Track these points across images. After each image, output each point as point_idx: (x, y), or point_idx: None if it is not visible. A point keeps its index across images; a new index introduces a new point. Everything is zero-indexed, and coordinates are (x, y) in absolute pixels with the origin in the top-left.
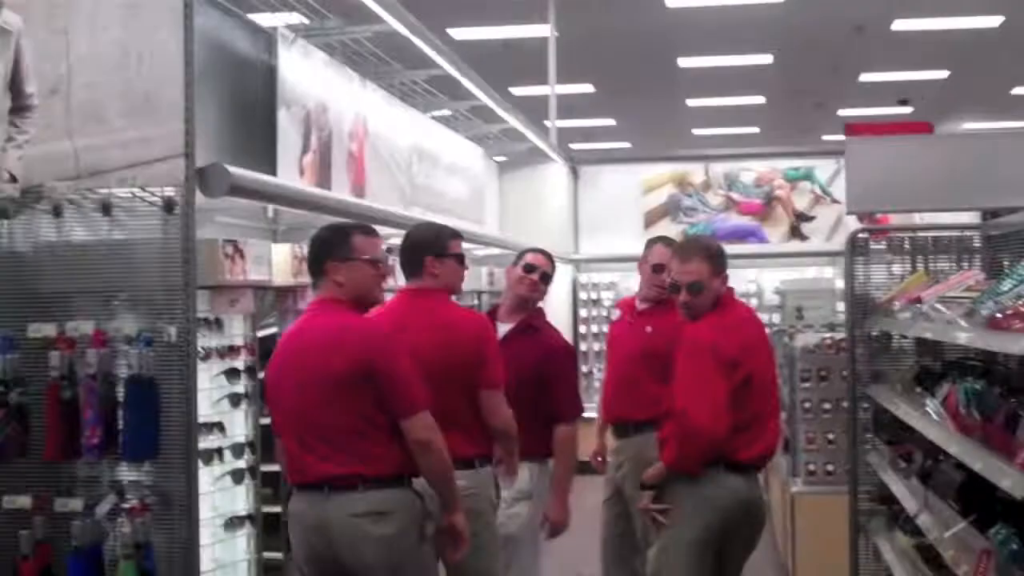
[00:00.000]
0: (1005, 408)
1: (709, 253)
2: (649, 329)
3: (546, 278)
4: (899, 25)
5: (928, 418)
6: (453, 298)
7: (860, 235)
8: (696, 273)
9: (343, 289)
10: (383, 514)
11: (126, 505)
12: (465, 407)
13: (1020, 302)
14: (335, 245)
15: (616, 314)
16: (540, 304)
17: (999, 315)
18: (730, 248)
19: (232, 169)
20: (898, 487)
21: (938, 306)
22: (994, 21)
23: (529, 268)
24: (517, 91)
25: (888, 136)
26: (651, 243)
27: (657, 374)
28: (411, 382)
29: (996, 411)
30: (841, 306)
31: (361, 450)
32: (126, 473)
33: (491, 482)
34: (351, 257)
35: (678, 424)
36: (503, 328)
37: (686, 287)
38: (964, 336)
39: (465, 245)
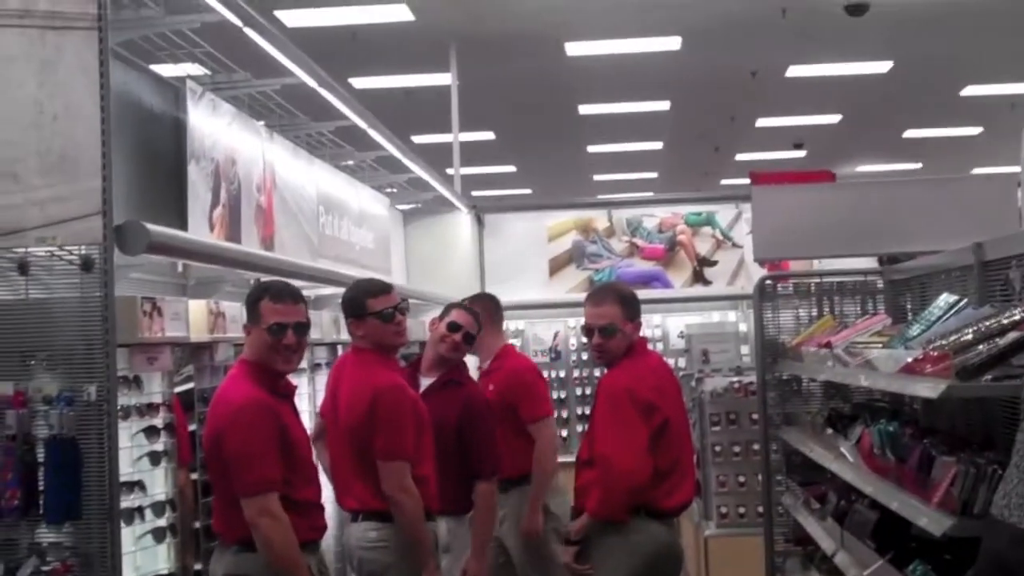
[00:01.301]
0: (919, 449)
1: (622, 297)
2: (492, 387)
3: (469, 338)
4: (793, 71)
5: (843, 460)
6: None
7: (768, 281)
8: (608, 316)
9: (250, 351)
10: None
11: (47, 568)
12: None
13: (930, 348)
14: (248, 309)
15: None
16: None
17: (910, 360)
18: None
19: (150, 227)
20: (813, 527)
21: (850, 351)
22: (883, 67)
23: (453, 327)
24: (418, 139)
25: (792, 185)
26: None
27: (511, 428)
28: (250, 461)
29: (910, 452)
30: (745, 349)
31: (228, 514)
32: (46, 535)
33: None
34: (256, 323)
35: (602, 471)
36: (425, 382)
37: (599, 330)
38: (882, 382)
39: None
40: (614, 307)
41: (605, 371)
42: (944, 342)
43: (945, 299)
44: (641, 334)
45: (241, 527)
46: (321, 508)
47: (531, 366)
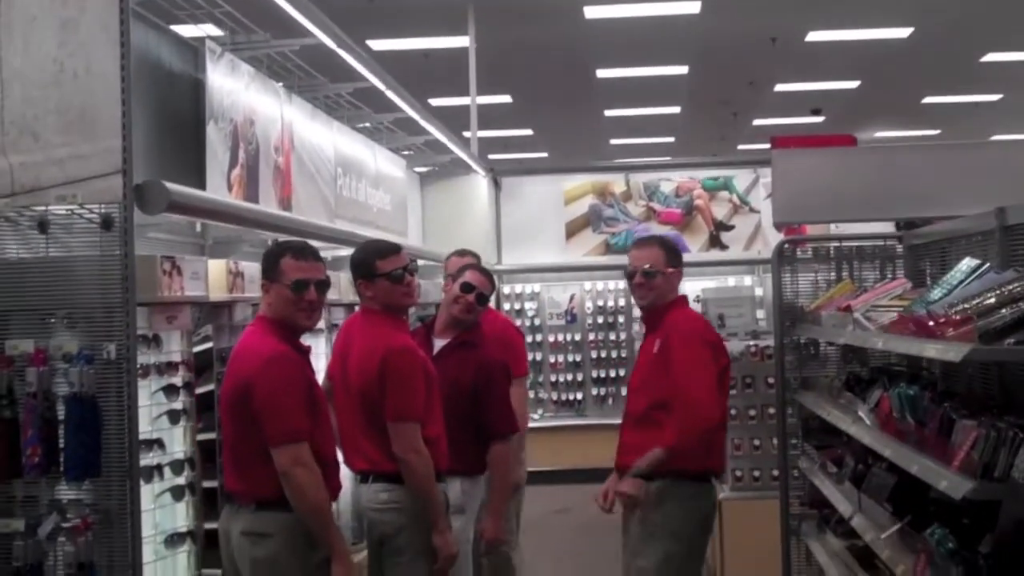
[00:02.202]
0: (939, 413)
1: (664, 243)
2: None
3: (482, 299)
4: (813, 36)
5: (861, 423)
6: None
7: (786, 244)
8: (650, 259)
9: (270, 308)
10: (261, 536)
11: (67, 524)
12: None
13: (952, 311)
14: (266, 267)
15: None
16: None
17: (931, 323)
18: None
19: (170, 186)
20: (830, 491)
21: (869, 315)
22: (904, 32)
23: (467, 288)
24: (435, 101)
25: (813, 149)
26: (463, 269)
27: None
28: (283, 410)
29: (930, 416)
30: (761, 314)
31: (249, 471)
32: (66, 491)
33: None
34: (276, 280)
35: (681, 406)
36: (439, 343)
37: (641, 272)
38: (902, 345)
39: None
40: (657, 251)
41: (643, 331)
42: (966, 306)
43: (967, 263)
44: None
45: (263, 485)
46: (338, 467)
47: (512, 324)
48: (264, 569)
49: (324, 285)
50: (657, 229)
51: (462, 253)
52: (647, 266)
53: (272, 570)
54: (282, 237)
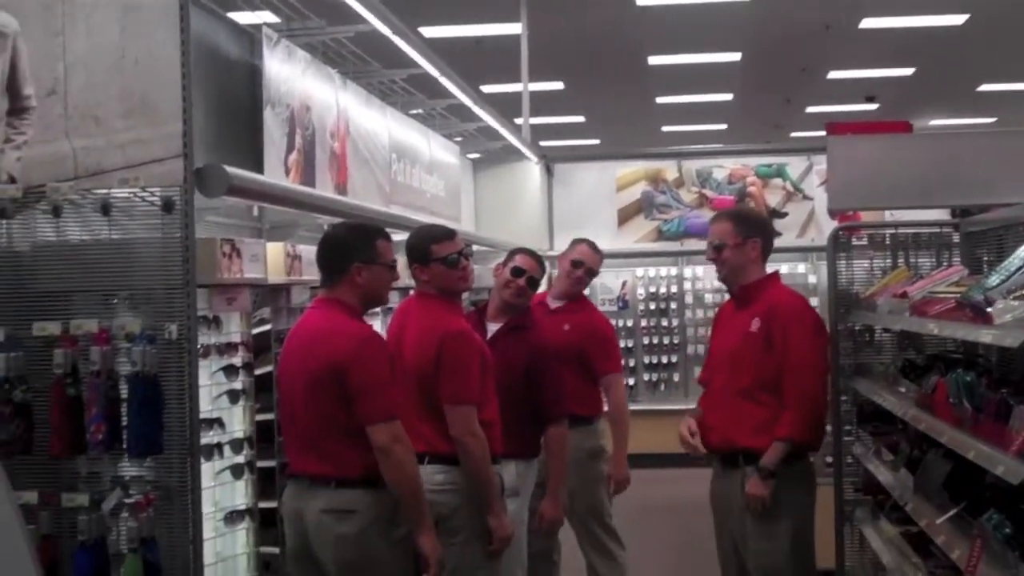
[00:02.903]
0: (996, 399)
1: (735, 215)
2: (567, 327)
3: (533, 283)
4: (867, 23)
5: (917, 409)
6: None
7: (841, 231)
8: (718, 233)
9: (358, 290)
10: (347, 512)
11: (130, 500)
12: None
13: (1011, 297)
14: (360, 248)
15: None
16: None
17: (989, 310)
18: (703, 244)
19: (230, 170)
20: (884, 477)
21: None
22: (959, 19)
23: (517, 272)
24: (487, 88)
25: (869, 135)
26: (575, 242)
27: (579, 370)
28: (380, 389)
29: (987, 401)
30: (815, 301)
31: (332, 450)
32: (129, 468)
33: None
34: (375, 261)
35: (799, 396)
36: (492, 327)
37: (712, 245)
38: (960, 331)
39: None
40: (726, 224)
41: (729, 304)
42: None
43: None
44: (714, 284)
45: (347, 464)
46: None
47: (604, 319)
48: (350, 545)
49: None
50: (710, 216)
51: (580, 241)
52: (716, 240)
53: (358, 545)
54: (338, 221)
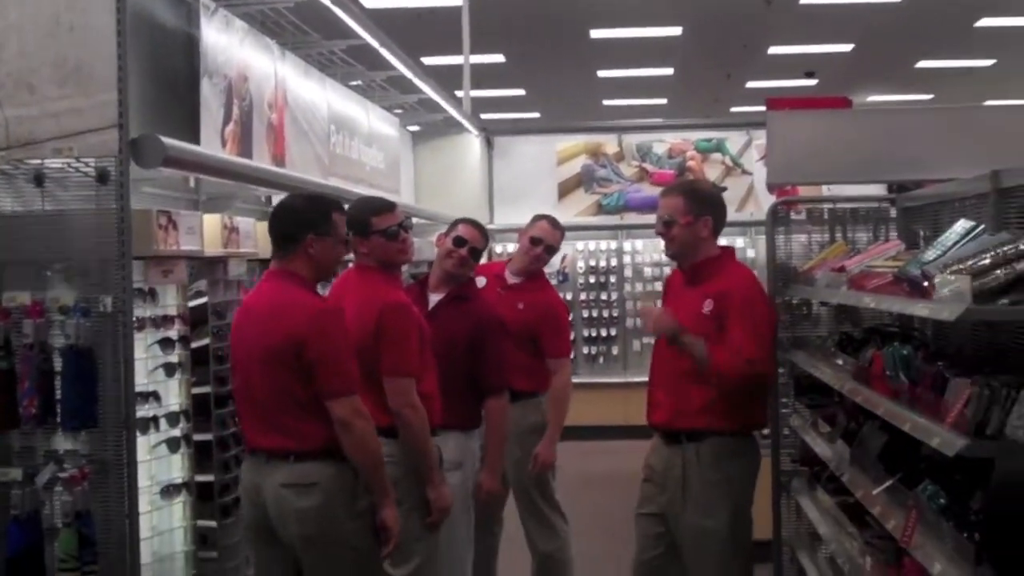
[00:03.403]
0: (931, 372)
1: (686, 190)
2: (521, 306)
3: (475, 253)
4: None
5: (853, 382)
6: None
7: (780, 206)
8: (668, 207)
9: (311, 262)
10: (308, 486)
11: (64, 474)
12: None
13: (947, 271)
14: (315, 220)
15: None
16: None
17: (926, 284)
18: (643, 218)
19: (166, 140)
20: (821, 448)
21: (864, 274)
22: None
23: (459, 242)
24: (428, 60)
25: (808, 110)
26: (536, 218)
27: (528, 348)
28: (339, 362)
29: (923, 374)
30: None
31: (291, 424)
32: (62, 442)
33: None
34: (329, 233)
35: (737, 356)
36: (434, 298)
37: (662, 220)
38: (897, 305)
39: None
40: (677, 199)
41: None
42: (961, 266)
43: (962, 225)
44: (653, 258)
45: (306, 437)
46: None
47: (559, 300)
48: (311, 518)
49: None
50: (650, 190)
51: (540, 217)
52: (667, 215)
53: (320, 518)
54: (276, 194)
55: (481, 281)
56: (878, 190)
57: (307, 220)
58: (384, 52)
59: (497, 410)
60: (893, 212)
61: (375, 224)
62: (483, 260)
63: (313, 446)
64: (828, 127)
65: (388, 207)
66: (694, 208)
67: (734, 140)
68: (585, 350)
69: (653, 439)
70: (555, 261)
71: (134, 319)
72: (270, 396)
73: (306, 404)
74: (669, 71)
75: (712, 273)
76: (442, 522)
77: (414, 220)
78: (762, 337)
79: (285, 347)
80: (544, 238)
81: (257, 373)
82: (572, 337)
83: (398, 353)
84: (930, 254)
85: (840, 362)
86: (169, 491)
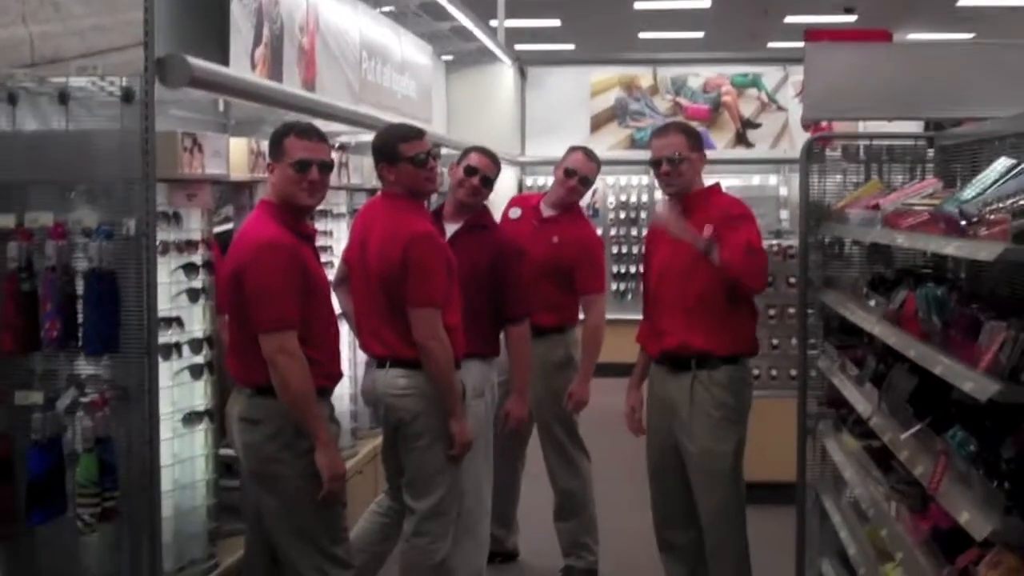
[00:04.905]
0: (966, 315)
1: (685, 129)
2: (556, 239)
3: (487, 182)
4: None
5: (884, 323)
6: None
7: (815, 143)
8: (674, 146)
9: (274, 190)
10: (253, 422)
11: (85, 399)
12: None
13: (986, 210)
14: (271, 146)
15: (514, 212)
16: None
17: (963, 223)
18: None
19: (192, 60)
20: (849, 391)
21: (899, 212)
22: None
23: (470, 171)
24: None
25: (847, 43)
26: (571, 150)
27: (560, 283)
28: (270, 297)
29: (956, 317)
30: (784, 214)
31: (248, 357)
32: (84, 367)
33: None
34: (279, 159)
35: (750, 254)
36: (450, 228)
37: (666, 160)
38: (933, 244)
39: None
40: (679, 137)
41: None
42: (1000, 205)
43: (1002, 163)
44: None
45: (257, 370)
46: (337, 354)
47: (594, 234)
48: (253, 454)
49: (328, 167)
50: None
51: (575, 148)
52: (674, 154)
53: (260, 455)
54: (304, 118)
55: (516, 212)
56: (915, 128)
57: (269, 146)
58: None
59: (520, 337)
60: (930, 151)
61: (403, 151)
62: (515, 192)
63: (265, 380)
64: (866, 61)
65: (417, 134)
66: (695, 143)
67: (770, 76)
68: (614, 286)
69: (652, 370)
70: (586, 196)
71: (158, 243)
72: (233, 326)
73: (253, 337)
74: (707, 3)
75: (707, 202)
76: (464, 455)
77: (444, 150)
78: (759, 243)
79: (231, 279)
80: (579, 169)
81: (227, 304)
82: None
83: (424, 284)
84: (968, 192)
85: (872, 303)
86: (191, 418)
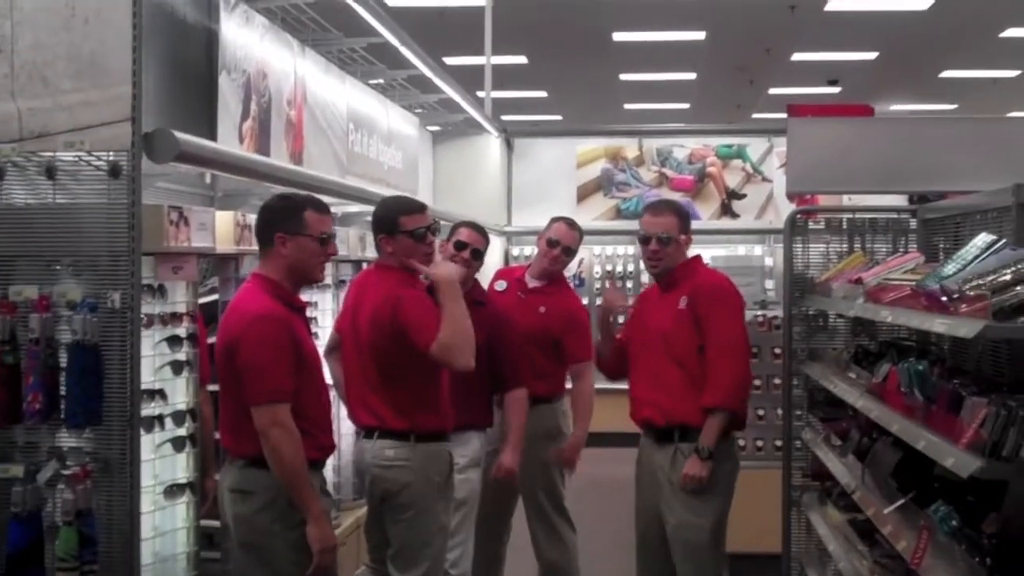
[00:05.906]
0: (948, 389)
1: (679, 210)
2: (543, 309)
3: (477, 255)
4: (832, 6)
5: (868, 397)
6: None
7: (799, 214)
8: (666, 226)
9: (283, 263)
10: (245, 493)
11: (67, 471)
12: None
13: (966, 286)
14: (285, 218)
15: (499, 284)
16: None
17: (944, 299)
18: None
19: (179, 135)
20: (833, 463)
21: (882, 287)
22: (923, 4)
23: (460, 246)
24: (449, 60)
25: (830, 118)
26: (553, 220)
27: (548, 352)
28: (263, 370)
29: (939, 392)
30: (770, 284)
31: (239, 428)
32: (66, 439)
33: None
34: (301, 232)
35: (729, 361)
36: None
37: (656, 238)
38: (914, 320)
39: None
40: (672, 218)
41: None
42: (980, 281)
43: (983, 238)
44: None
45: (249, 441)
46: (329, 426)
47: (580, 304)
48: (244, 526)
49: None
50: (668, 195)
51: (557, 219)
52: (663, 233)
53: (251, 528)
54: (292, 191)
55: (502, 285)
56: (899, 201)
57: (276, 219)
58: (405, 51)
59: (519, 399)
60: (913, 223)
61: (404, 224)
62: (500, 265)
63: (256, 452)
64: (849, 135)
65: (419, 208)
66: (685, 227)
67: (755, 147)
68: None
69: (641, 441)
70: (571, 265)
71: (142, 316)
72: (225, 398)
73: (247, 409)
74: (692, 76)
75: (685, 276)
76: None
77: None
78: (739, 337)
79: (224, 350)
80: (561, 239)
81: (219, 376)
82: None
83: (424, 326)
84: (949, 268)
85: (855, 376)
86: (173, 491)
